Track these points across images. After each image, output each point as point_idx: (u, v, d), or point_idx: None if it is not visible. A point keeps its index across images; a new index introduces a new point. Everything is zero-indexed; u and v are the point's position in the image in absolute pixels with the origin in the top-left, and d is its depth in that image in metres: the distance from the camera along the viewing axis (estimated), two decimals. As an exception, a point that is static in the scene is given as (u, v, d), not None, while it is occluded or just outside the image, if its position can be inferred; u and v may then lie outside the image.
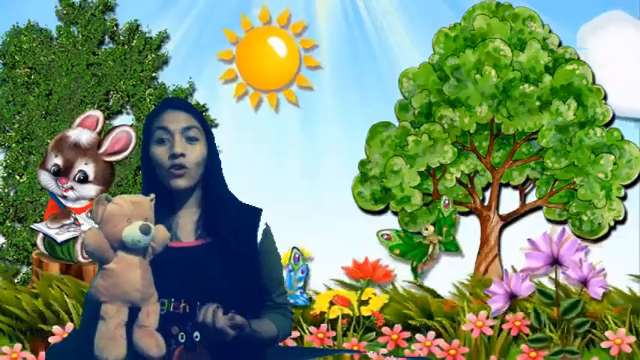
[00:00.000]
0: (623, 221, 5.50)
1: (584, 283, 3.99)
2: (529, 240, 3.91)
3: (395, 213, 5.58)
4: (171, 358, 2.36)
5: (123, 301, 2.27)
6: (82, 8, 5.90)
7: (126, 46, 5.87)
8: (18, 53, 5.82)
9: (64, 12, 5.91)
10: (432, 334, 4.50)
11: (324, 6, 5.87)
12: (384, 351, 4.38)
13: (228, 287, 2.46)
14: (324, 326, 4.47)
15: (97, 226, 2.27)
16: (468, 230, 5.56)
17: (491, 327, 4.45)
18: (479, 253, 5.58)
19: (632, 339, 4.36)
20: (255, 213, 2.56)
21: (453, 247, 4.92)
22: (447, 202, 4.82)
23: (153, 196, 2.33)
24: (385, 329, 4.54)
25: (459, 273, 5.44)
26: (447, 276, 5.34)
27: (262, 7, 5.67)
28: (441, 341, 4.48)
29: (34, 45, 5.81)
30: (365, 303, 4.66)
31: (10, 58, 5.85)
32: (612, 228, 5.50)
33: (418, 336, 4.51)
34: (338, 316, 4.58)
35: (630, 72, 5.48)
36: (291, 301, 4.45)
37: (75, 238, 4.87)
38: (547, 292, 3.92)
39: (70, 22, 5.91)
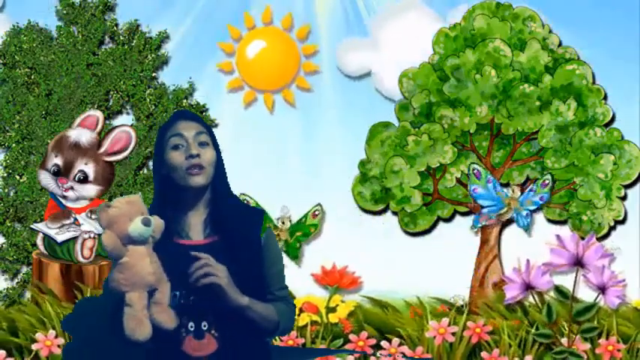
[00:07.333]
0: (623, 221, 5.50)
1: (602, 290, 3.97)
2: (557, 236, 3.89)
3: (395, 213, 5.58)
4: (182, 346, 2.68)
5: (142, 286, 2.62)
6: (82, 8, 5.89)
7: (126, 46, 5.87)
8: (18, 53, 5.81)
9: (64, 12, 5.91)
10: (396, 340, 4.62)
11: (324, 6, 5.87)
12: (351, 358, 4.51)
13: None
14: (293, 333, 4.56)
15: (101, 230, 2.66)
16: (469, 230, 5.56)
17: (453, 334, 4.58)
18: (479, 253, 5.57)
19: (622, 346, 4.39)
20: (257, 214, 2.84)
21: (293, 253, 5.09)
22: (317, 212, 5.07)
23: (139, 194, 2.68)
24: (352, 336, 4.64)
25: (458, 273, 5.44)
26: (446, 276, 5.34)
27: (266, 7, 5.67)
28: (405, 348, 4.60)
29: (34, 45, 5.81)
30: (333, 310, 4.76)
31: (10, 58, 5.84)
32: (612, 228, 5.50)
33: (383, 343, 4.63)
34: (307, 323, 4.64)
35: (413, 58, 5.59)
36: (513, 215, 4.94)
37: (75, 238, 4.88)
38: (563, 291, 3.91)
39: (70, 22, 5.91)
